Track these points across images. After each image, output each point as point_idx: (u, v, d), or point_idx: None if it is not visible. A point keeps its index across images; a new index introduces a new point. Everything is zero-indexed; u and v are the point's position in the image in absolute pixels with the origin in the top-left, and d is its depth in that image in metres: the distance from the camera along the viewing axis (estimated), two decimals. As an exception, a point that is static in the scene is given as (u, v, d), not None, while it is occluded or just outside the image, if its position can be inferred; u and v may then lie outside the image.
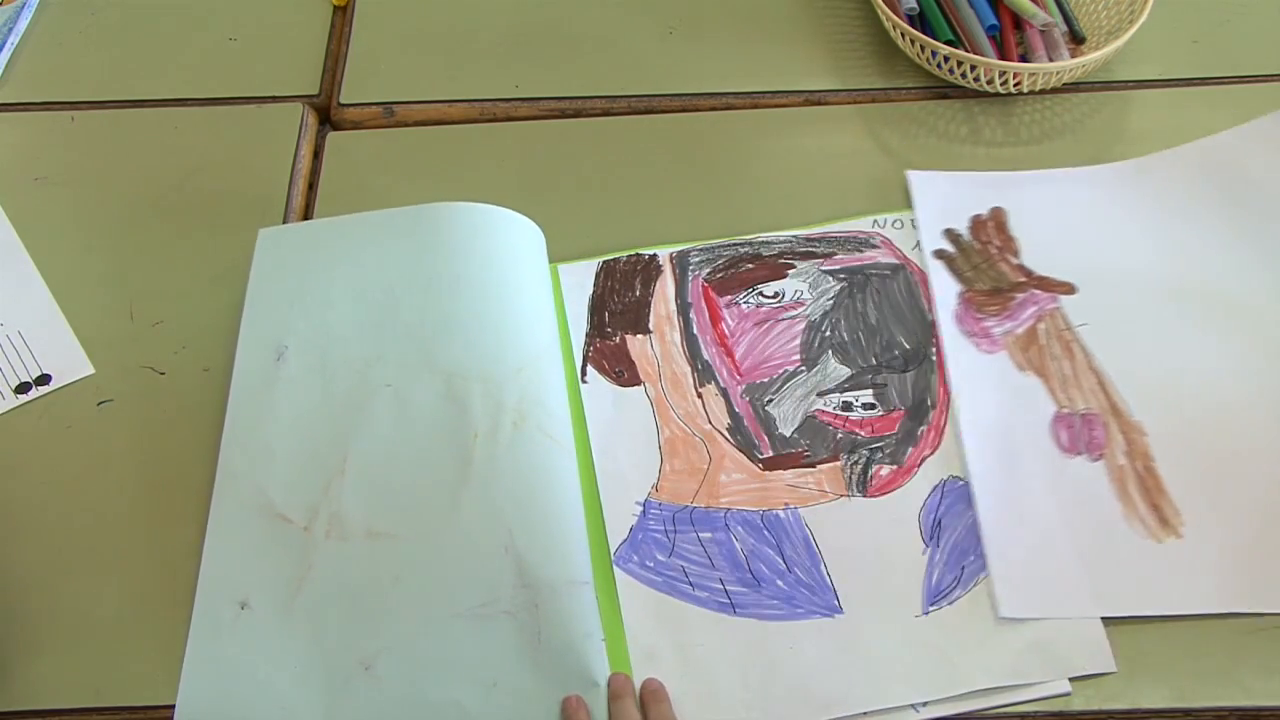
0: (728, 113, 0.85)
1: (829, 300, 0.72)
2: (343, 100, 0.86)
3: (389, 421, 0.65)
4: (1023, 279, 0.73)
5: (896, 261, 0.74)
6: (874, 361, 0.69)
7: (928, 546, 0.62)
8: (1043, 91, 0.84)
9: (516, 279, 0.71)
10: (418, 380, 0.66)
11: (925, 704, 0.57)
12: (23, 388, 0.71)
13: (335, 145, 0.84)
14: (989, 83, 0.82)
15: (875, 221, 0.77)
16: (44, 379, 0.71)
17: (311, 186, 0.82)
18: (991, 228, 0.75)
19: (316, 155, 0.84)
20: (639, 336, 0.71)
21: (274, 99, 0.86)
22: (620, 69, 0.88)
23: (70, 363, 0.72)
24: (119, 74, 0.89)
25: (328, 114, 0.87)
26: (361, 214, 0.74)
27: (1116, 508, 0.63)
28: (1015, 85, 0.81)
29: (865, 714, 0.57)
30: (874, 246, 0.75)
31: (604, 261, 0.75)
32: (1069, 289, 0.72)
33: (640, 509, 0.64)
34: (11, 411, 0.70)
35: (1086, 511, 0.63)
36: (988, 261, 0.73)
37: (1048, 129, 0.82)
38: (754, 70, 0.87)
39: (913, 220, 0.76)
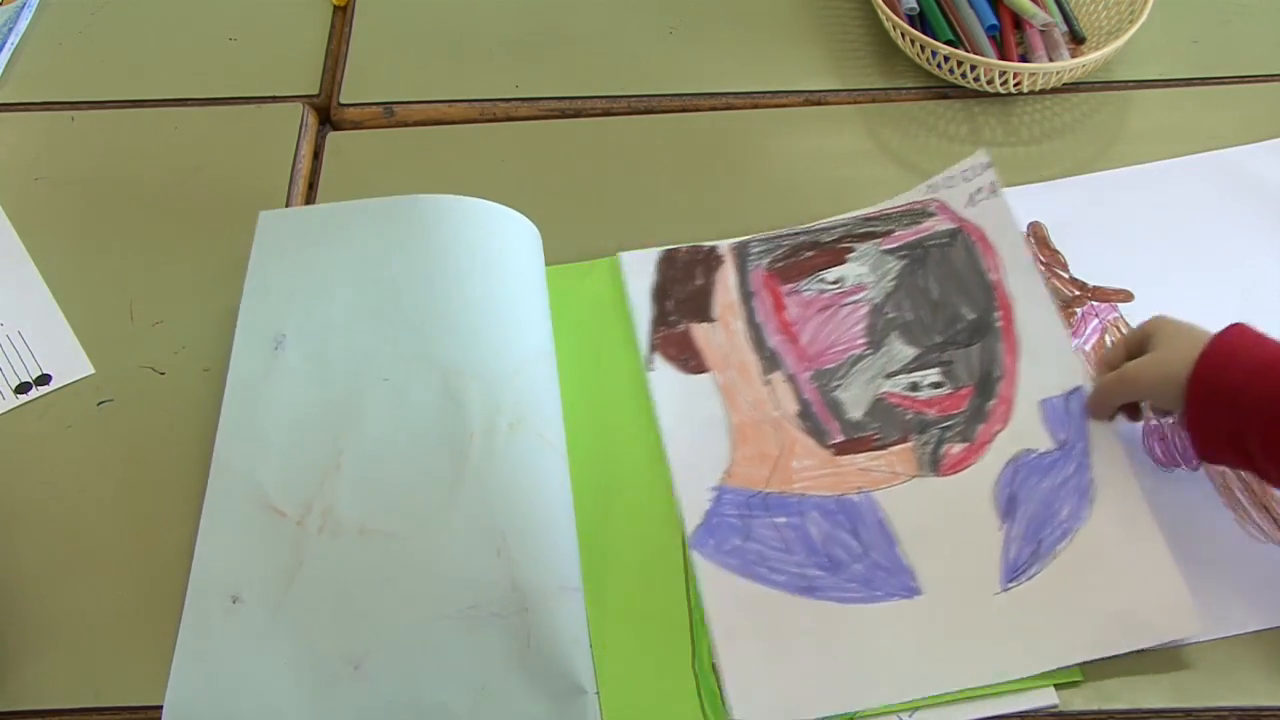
0: (728, 113, 0.85)
1: (891, 281, 0.72)
2: (343, 100, 0.86)
3: (385, 416, 0.64)
4: (1078, 292, 0.72)
5: (953, 225, 0.74)
6: (938, 339, 0.69)
7: (1003, 523, 0.62)
8: (1043, 91, 0.84)
9: (517, 279, 0.70)
10: (416, 375, 0.65)
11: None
12: (23, 388, 0.71)
13: (335, 145, 0.84)
14: (989, 83, 0.82)
15: (929, 186, 0.77)
16: (44, 379, 0.71)
17: (311, 186, 0.82)
18: (1034, 244, 0.74)
19: (316, 155, 0.84)
20: (703, 325, 0.72)
21: (274, 99, 0.86)
22: (620, 69, 0.88)
23: (70, 363, 0.72)
24: (119, 74, 0.89)
25: (328, 114, 0.87)
26: (365, 200, 0.73)
27: (1226, 515, 0.62)
28: (1015, 85, 0.81)
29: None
30: (930, 215, 0.75)
31: (665, 251, 0.76)
32: (1127, 296, 0.71)
33: (714, 494, 0.65)
34: (11, 411, 0.70)
35: (1196, 524, 0.61)
36: None
37: (1048, 129, 0.82)
38: (754, 70, 0.87)
39: (964, 173, 0.76)
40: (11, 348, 0.73)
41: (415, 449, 0.63)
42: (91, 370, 0.72)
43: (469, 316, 0.67)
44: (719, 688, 0.58)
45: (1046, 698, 0.57)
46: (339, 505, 0.61)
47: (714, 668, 0.59)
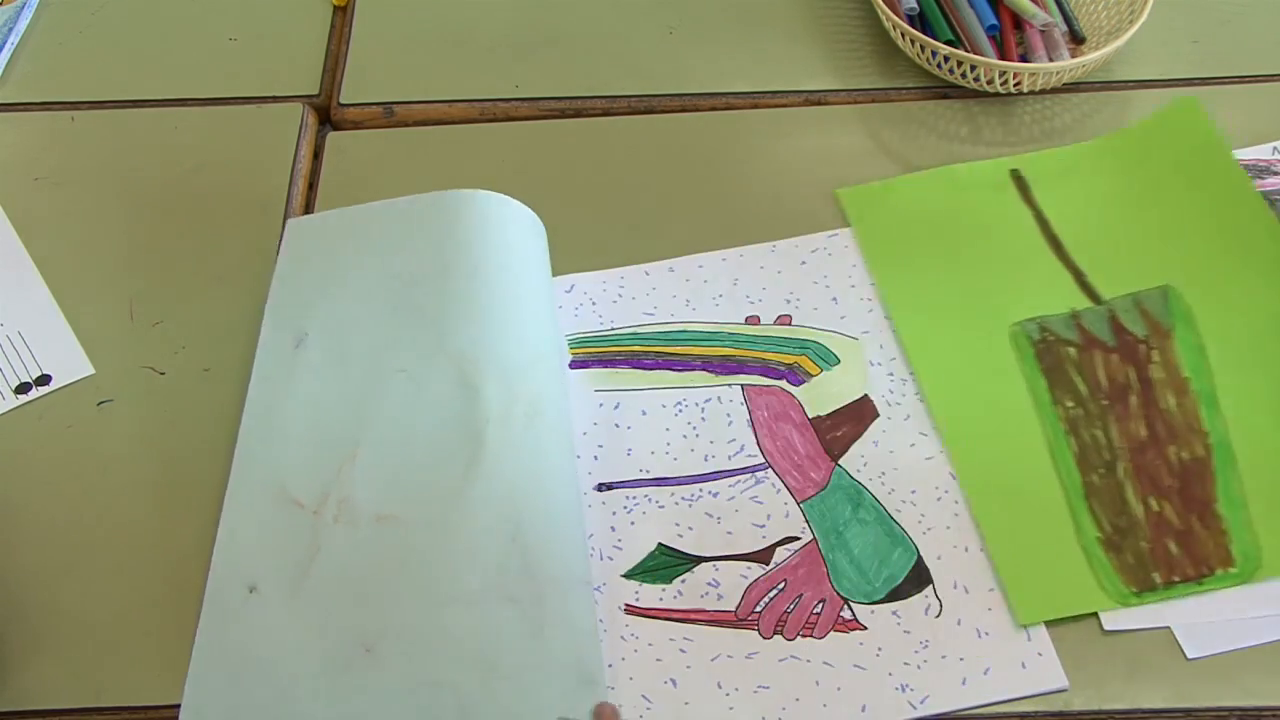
0: (728, 113, 0.85)
1: None
2: (343, 100, 0.86)
3: (401, 406, 0.64)
4: None
5: None
6: None
7: None
8: (1043, 91, 0.84)
9: (529, 273, 0.71)
10: (432, 366, 0.65)
11: None
12: (23, 388, 0.71)
13: (335, 145, 0.84)
14: (989, 83, 0.82)
15: (1275, 149, 0.78)
16: (44, 379, 0.71)
17: (311, 186, 0.82)
18: None
19: (316, 155, 0.84)
20: None
21: (274, 99, 0.86)
22: (620, 69, 0.88)
23: (70, 363, 0.72)
24: (119, 74, 0.89)
25: (328, 114, 0.87)
26: (387, 201, 0.73)
27: None
28: (1015, 85, 0.81)
29: None
30: (1275, 174, 0.76)
31: None
32: None
33: None
34: (11, 412, 0.70)
35: None
36: None
37: (1048, 129, 0.82)
38: (754, 70, 0.87)
39: None
40: (11, 348, 0.73)
41: (430, 436, 0.63)
42: (92, 370, 0.72)
43: (485, 308, 0.68)
44: (1109, 560, 0.60)
45: (1056, 679, 0.57)
46: (354, 494, 0.62)
47: (1098, 540, 0.61)
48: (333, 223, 0.74)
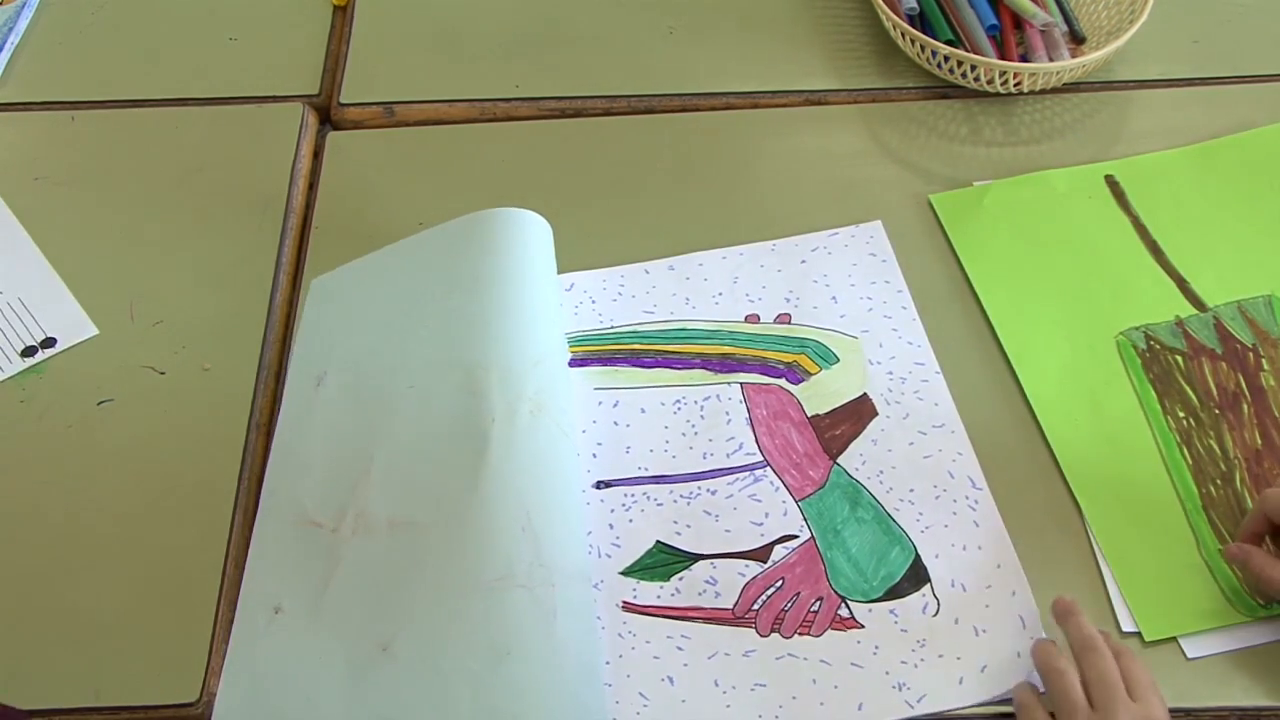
0: (728, 113, 0.85)
1: None
2: (343, 100, 0.86)
3: (411, 417, 0.65)
4: None
5: None
6: None
7: None
8: (1043, 91, 0.84)
9: (531, 276, 0.71)
10: (439, 377, 0.66)
11: None
12: (29, 351, 0.71)
13: (335, 145, 0.84)
14: (989, 83, 0.82)
15: None
16: (49, 342, 0.71)
17: (311, 186, 0.82)
18: None
19: (316, 155, 0.84)
20: None
21: (274, 99, 0.87)
22: (620, 69, 0.88)
23: (74, 325, 0.72)
24: (119, 74, 0.89)
25: (328, 114, 0.87)
26: (396, 244, 0.74)
27: None
28: (1015, 85, 0.81)
29: None
30: None
31: None
32: None
33: None
34: (13, 409, 0.70)
35: None
36: None
37: (1048, 129, 0.82)
38: (754, 70, 0.87)
39: None
40: (13, 313, 0.73)
41: (439, 440, 0.64)
42: (96, 330, 0.72)
43: (489, 316, 0.68)
44: (1233, 573, 0.60)
45: None
46: (370, 506, 0.63)
47: (1221, 553, 0.61)
48: (351, 273, 0.75)
